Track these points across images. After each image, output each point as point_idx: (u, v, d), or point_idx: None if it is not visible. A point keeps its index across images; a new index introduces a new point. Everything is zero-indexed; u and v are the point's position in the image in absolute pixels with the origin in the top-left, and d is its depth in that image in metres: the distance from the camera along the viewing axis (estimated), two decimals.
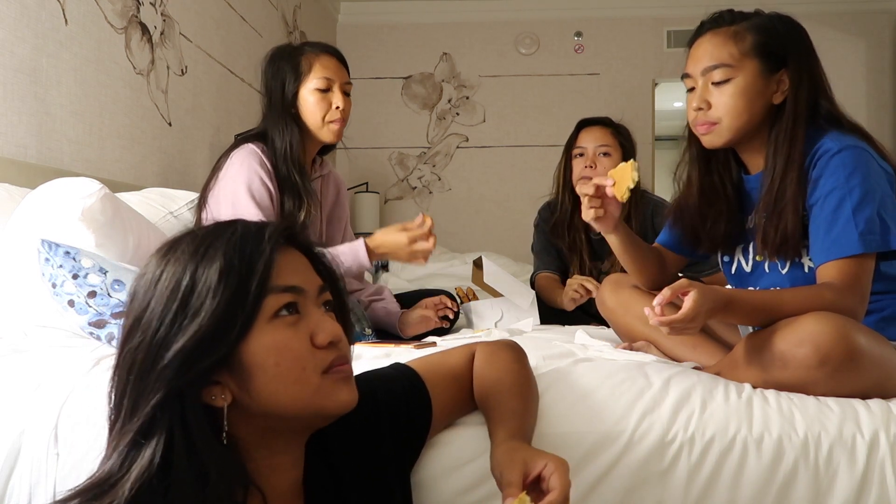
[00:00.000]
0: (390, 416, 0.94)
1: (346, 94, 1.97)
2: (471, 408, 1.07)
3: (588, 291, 2.20)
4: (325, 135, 1.96)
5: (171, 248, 0.78)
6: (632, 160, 1.43)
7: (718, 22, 1.42)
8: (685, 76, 1.44)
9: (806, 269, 1.38)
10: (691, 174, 1.52)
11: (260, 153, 1.90)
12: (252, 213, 1.81)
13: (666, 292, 1.17)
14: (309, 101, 1.93)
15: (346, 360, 0.81)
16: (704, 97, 1.40)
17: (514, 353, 1.08)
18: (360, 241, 1.83)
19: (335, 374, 0.79)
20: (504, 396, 1.00)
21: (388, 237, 1.82)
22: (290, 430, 0.80)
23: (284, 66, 1.94)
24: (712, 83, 1.38)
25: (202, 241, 0.77)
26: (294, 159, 1.92)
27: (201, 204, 1.95)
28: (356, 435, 0.91)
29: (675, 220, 1.58)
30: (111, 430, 0.76)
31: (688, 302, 1.16)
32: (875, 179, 1.30)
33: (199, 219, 1.95)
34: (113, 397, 0.76)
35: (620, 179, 1.41)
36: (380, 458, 0.92)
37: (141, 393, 0.73)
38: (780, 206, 1.34)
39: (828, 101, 1.40)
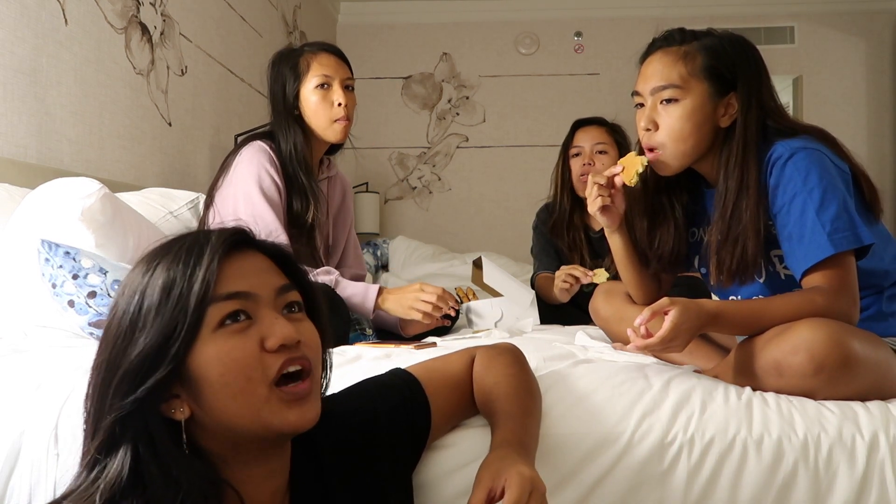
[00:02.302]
0: (389, 424, 0.94)
1: (348, 89, 1.96)
2: (472, 412, 1.06)
3: (576, 279, 2.23)
4: (331, 135, 1.96)
5: (134, 268, 0.79)
6: (641, 157, 1.42)
7: (669, 41, 1.39)
8: (635, 93, 1.42)
9: (783, 277, 1.37)
10: (635, 194, 1.49)
11: (269, 150, 1.91)
12: (265, 210, 1.81)
13: (646, 313, 1.17)
14: (311, 100, 1.94)
15: (306, 366, 0.77)
16: (652, 117, 1.37)
17: (512, 356, 1.08)
18: (376, 286, 1.84)
19: (286, 394, 0.76)
20: (501, 401, 0.99)
21: (403, 288, 1.84)
22: (258, 443, 0.78)
23: (284, 69, 1.95)
24: (661, 102, 1.36)
25: (153, 257, 0.77)
26: (299, 160, 1.92)
27: (208, 202, 1.95)
28: (351, 443, 0.90)
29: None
30: (83, 446, 0.77)
31: (666, 323, 1.16)
32: (832, 176, 1.28)
33: (205, 217, 1.95)
34: (84, 414, 0.77)
35: (629, 166, 1.41)
36: (376, 466, 0.91)
37: (101, 411, 0.74)
38: (736, 231, 1.32)
39: (775, 119, 1.37)
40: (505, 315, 2.14)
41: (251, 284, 0.77)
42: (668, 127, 1.36)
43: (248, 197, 1.84)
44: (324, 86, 1.93)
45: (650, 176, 1.46)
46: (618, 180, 1.44)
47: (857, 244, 1.25)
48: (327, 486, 0.86)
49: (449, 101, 4.88)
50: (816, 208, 1.25)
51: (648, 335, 1.18)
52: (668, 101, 1.35)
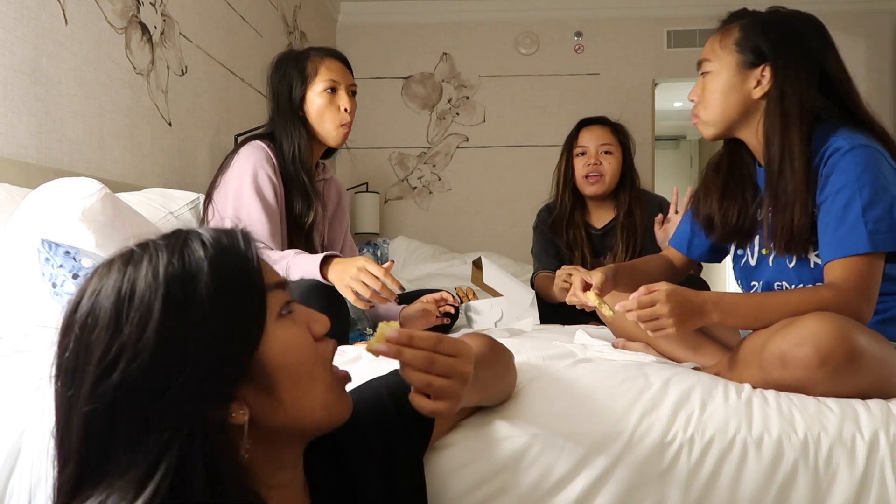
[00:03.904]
0: (400, 419, 0.93)
1: (352, 95, 2.02)
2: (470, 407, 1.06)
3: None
4: (334, 138, 2.00)
5: (127, 262, 0.68)
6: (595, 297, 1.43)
7: (723, 22, 1.48)
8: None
9: (812, 265, 1.38)
10: (721, 164, 1.55)
11: (266, 149, 1.93)
12: (255, 210, 1.83)
13: (642, 289, 1.23)
14: (316, 103, 1.97)
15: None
16: (696, 89, 1.47)
17: (490, 341, 1.05)
18: (320, 256, 1.69)
19: (339, 372, 0.78)
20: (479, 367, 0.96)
21: (348, 261, 1.64)
22: (294, 443, 0.77)
23: (291, 71, 1.98)
24: (701, 76, 1.47)
25: (176, 246, 0.68)
26: (302, 161, 1.96)
27: (207, 202, 1.97)
28: (368, 440, 0.89)
29: (693, 207, 1.60)
30: (79, 477, 0.64)
31: (655, 291, 1.21)
32: (886, 179, 1.30)
33: (205, 217, 1.97)
34: (82, 441, 0.64)
35: (598, 305, 1.44)
36: (391, 460, 0.90)
37: (144, 429, 0.62)
38: (784, 201, 1.35)
39: (843, 96, 1.39)
40: (505, 315, 2.15)
41: (277, 275, 0.75)
42: (703, 97, 1.46)
43: (238, 192, 1.87)
44: (331, 90, 1.97)
45: (729, 150, 1.53)
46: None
47: (894, 247, 1.27)
48: (349, 482, 0.85)
49: (449, 101, 4.88)
50: (864, 204, 1.27)
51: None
52: (705, 73, 1.46)
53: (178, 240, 0.70)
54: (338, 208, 2.20)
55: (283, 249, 1.86)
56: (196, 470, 0.63)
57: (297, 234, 1.96)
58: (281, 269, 1.72)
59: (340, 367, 0.82)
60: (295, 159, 1.95)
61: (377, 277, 1.57)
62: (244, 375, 0.68)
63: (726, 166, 1.53)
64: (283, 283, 0.74)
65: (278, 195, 1.91)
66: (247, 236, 0.73)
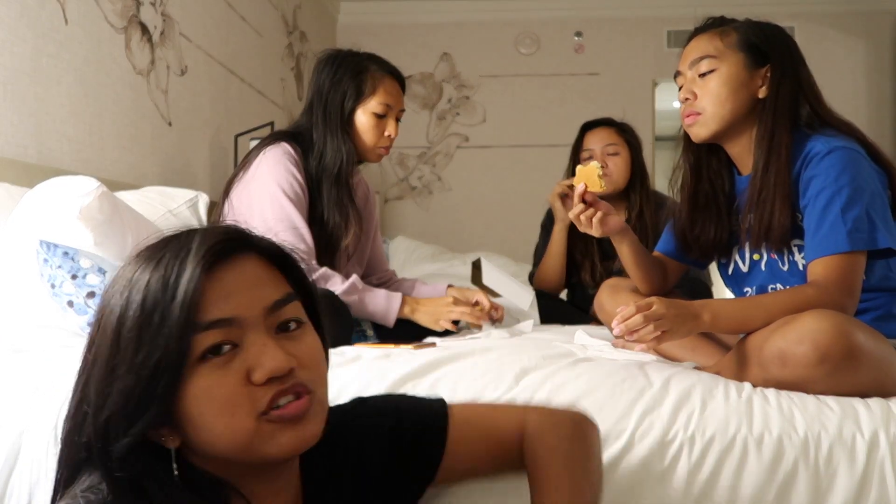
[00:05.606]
0: (405, 447, 0.89)
1: (398, 120, 1.97)
2: (505, 470, 0.97)
3: (571, 188, 2.12)
4: (371, 157, 1.97)
5: (127, 265, 0.71)
6: (592, 163, 1.49)
7: (707, 26, 1.49)
8: (677, 74, 1.49)
9: (800, 267, 1.39)
10: (685, 181, 1.55)
11: (293, 154, 1.86)
12: (291, 210, 1.79)
13: (632, 306, 1.21)
14: (363, 121, 1.92)
15: (302, 390, 0.70)
16: (691, 88, 1.45)
17: (570, 429, 0.94)
18: (398, 297, 1.84)
19: (276, 418, 0.68)
20: (551, 469, 0.89)
21: (435, 299, 1.88)
22: (258, 467, 0.73)
23: (345, 79, 1.90)
24: (699, 75, 1.44)
25: (143, 256, 0.70)
26: (344, 176, 1.90)
27: (224, 196, 1.93)
28: (370, 456, 0.86)
29: (671, 226, 1.61)
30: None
31: (650, 303, 1.20)
32: (864, 179, 1.32)
33: (220, 209, 1.93)
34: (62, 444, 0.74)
35: (588, 177, 1.47)
36: (387, 496, 0.87)
37: (107, 447, 0.68)
38: (764, 196, 1.37)
39: (814, 103, 1.42)
40: (505, 315, 2.14)
41: (237, 306, 0.68)
42: (707, 93, 1.43)
43: (274, 198, 1.80)
44: (381, 114, 1.92)
45: (693, 164, 1.53)
46: (588, 196, 1.48)
47: (872, 247, 1.29)
48: (343, 495, 0.83)
49: (449, 101, 4.88)
50: (843, 205, 1.29)
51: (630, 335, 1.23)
52: (706, 73, 1.43)
53: (142, 263, 0.70)
54: (364, 209, 2.11)
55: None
56: (141, 486, 0.67)
57: (323, 243, 1.89)
58: (352, 299, 1.79)
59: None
60: (336, 174, 1.88)
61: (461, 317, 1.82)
62: (160, 413, 0.67)
63: (692, 182, 1.53)
64: (228, 321, 0.68)
65: (304, 201, 1.87)
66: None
